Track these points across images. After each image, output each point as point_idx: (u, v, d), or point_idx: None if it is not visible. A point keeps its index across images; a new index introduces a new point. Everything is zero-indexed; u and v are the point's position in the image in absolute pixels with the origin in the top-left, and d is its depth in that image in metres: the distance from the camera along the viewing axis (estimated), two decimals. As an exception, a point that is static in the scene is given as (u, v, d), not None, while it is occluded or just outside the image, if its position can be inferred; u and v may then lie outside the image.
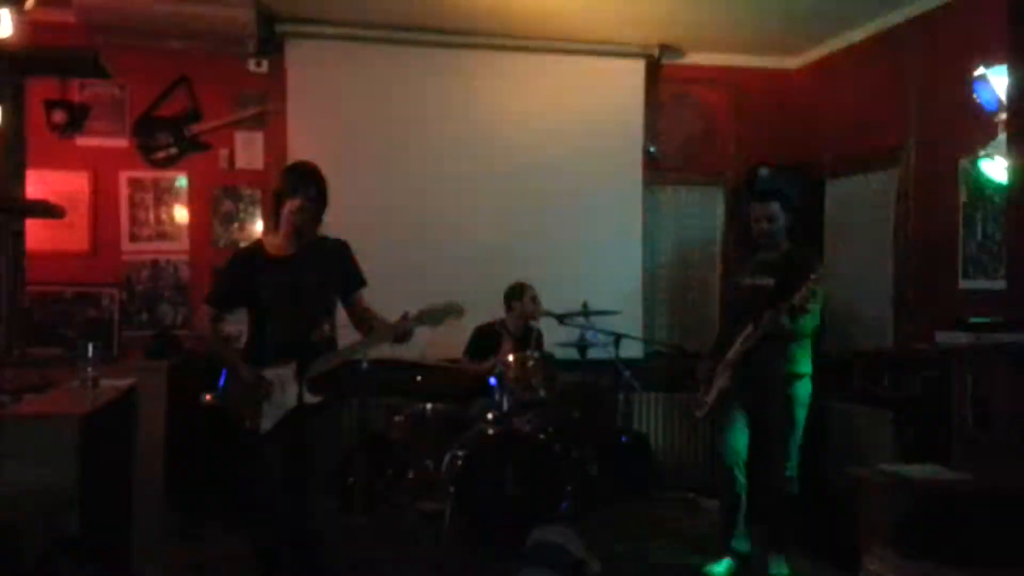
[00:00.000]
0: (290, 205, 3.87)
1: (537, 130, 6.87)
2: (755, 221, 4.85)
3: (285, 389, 3.82)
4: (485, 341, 6.16)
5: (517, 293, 6.14)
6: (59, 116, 6.18)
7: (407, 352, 5.86)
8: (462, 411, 5.80)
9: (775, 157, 7.04)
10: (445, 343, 6.22)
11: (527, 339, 6.12)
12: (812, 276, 4.43)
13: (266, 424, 3.86)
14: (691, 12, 6.23)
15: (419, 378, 5.89)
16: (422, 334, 4.10)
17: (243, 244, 6.39)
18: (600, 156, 6.96)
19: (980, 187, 5.21)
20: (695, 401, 5.02)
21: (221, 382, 3.96)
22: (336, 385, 3.98)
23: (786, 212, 4.82)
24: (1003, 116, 4.79)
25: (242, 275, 3.99)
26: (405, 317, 3.91)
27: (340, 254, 4.04)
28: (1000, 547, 3.50)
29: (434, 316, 3.94)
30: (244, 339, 4.24)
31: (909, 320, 5.89)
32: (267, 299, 3.90)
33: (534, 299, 6.14)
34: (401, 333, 3.94)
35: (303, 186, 3.89)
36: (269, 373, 3.85)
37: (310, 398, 3.76)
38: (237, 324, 4.16)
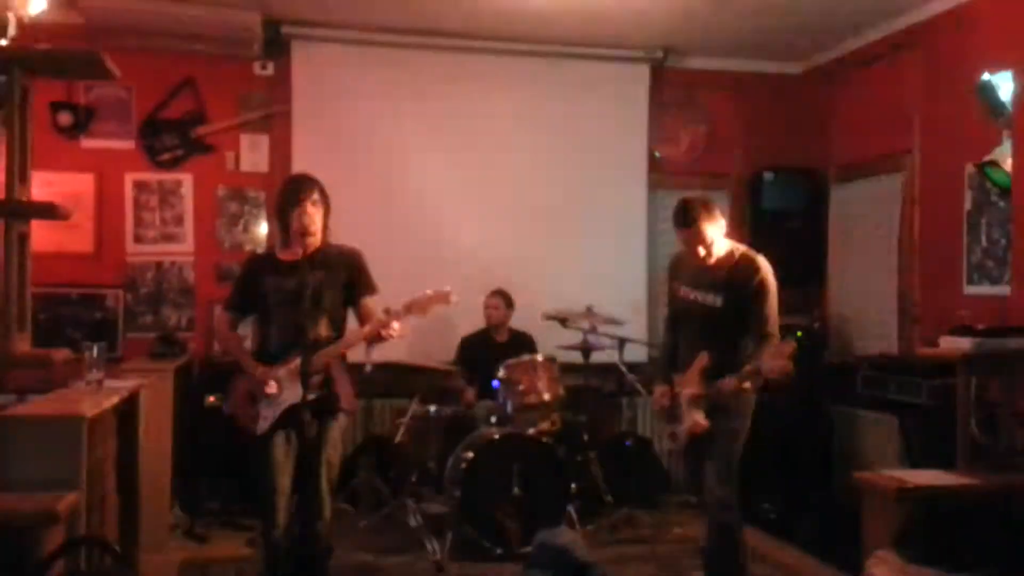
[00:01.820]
0: (296, 212, 3.92)
1: (542, 133, 6.87)
2: (687, 246, 4.27)
3: (284, 389, 3.91)
4: (471, 352, 6.22)
5: None
6: (65, 118, 6.22)
7: (410, 355, 5.91)
8: (466, 413, 5.80)
9: (780, 162, 7.06)
10: (444, 346, 6.33)
11: (520, 343, 6.13)
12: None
13: (263, 425, 3.92)
14: (696, 16, 6.23)
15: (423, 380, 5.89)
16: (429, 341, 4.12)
17: (249, 248, 6.46)
18: (605, 160, 6.96)
19: (985, 192, 5.22)
20: (668, 433, 4.54)
21: (229, 392, 4.07)
22: (335, 399, 4.02)
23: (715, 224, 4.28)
24: (1008, 121, 4.80)
25: (253, 280, 4.09)
26: (387, 312, 3.92)
27: (349, 261, 4.08)
28: (1006, 553, 3.50)
29: (420, 305, 3.94)
30: (248, 343, 4.33)
31: (914, 325, 5.89)
32: (272, 301, 4.00)
33: (495, 303, 6.20)
34: (373, 333, 3.94)
35: (305, 191, 3.97)
36: (272, 373, 3.94)
37: (309, 396, 3.80)
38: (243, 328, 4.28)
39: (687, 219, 4.17)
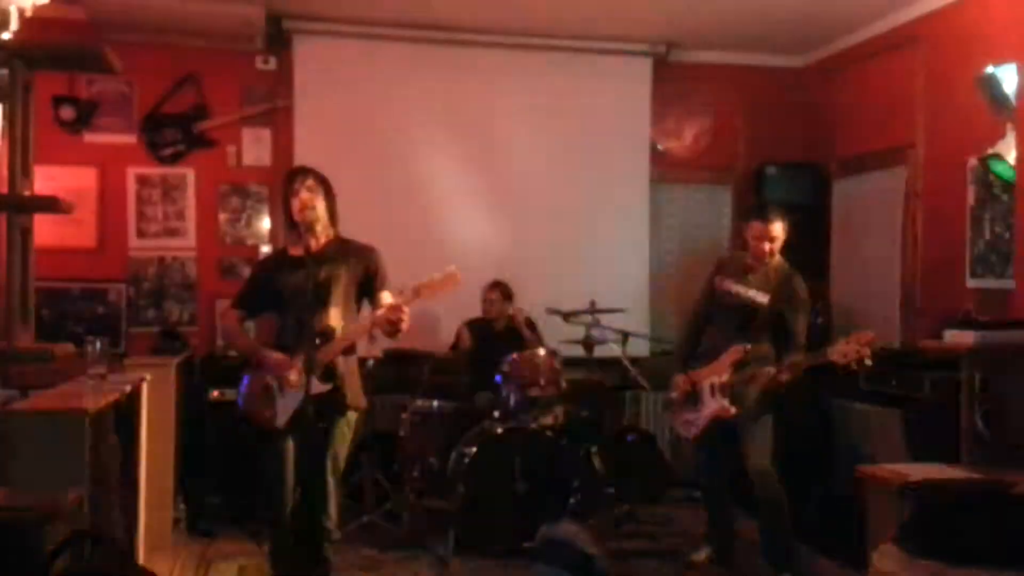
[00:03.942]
0: (296, 201, 3.93)
1: (544, 128, 6.87)
2: (755, 239, 4.65)
3: (302, 381, 3.88)
4: (472, 337, 6.22)
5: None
6: (67, 112, 6.22)
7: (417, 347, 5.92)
8: (469, 408, 5.80)
9: (783, 155, 7.04)
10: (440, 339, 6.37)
11: (517, 335, 6.13)
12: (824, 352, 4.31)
13: (281, 420, 3.93)
14: (699, 10, 6.22)
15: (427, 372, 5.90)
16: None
17: (251, 242, 6.47)
18: (607, 154, 6.96)
19: (988, 186, 5.20)
20: (680, 421, 4.87)
21: (242, 388, 4.06)
22: (342, 395, 4.01)
23: (785, 230, 4.68)
24: (1012, 114, 4.78)
25: (266, 278, 4.12)
26: (398, 293, 3.90)
27: (364, 256, 4.08)
28: (1009, 547, 3.49)
29: (430, 288, 3.90)
30: (252, 336, 4.33)
31: (917, 319, 5.88)
32: (286, 296, 4.00)
33: (493, 296, 6.18)
34: (384, 321, 3.90)
35: (299, 179, 3.98)
36: (293, 363, 3.93)
37: (319, 387, 3.79)
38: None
39: (771, 215, 4.65)
